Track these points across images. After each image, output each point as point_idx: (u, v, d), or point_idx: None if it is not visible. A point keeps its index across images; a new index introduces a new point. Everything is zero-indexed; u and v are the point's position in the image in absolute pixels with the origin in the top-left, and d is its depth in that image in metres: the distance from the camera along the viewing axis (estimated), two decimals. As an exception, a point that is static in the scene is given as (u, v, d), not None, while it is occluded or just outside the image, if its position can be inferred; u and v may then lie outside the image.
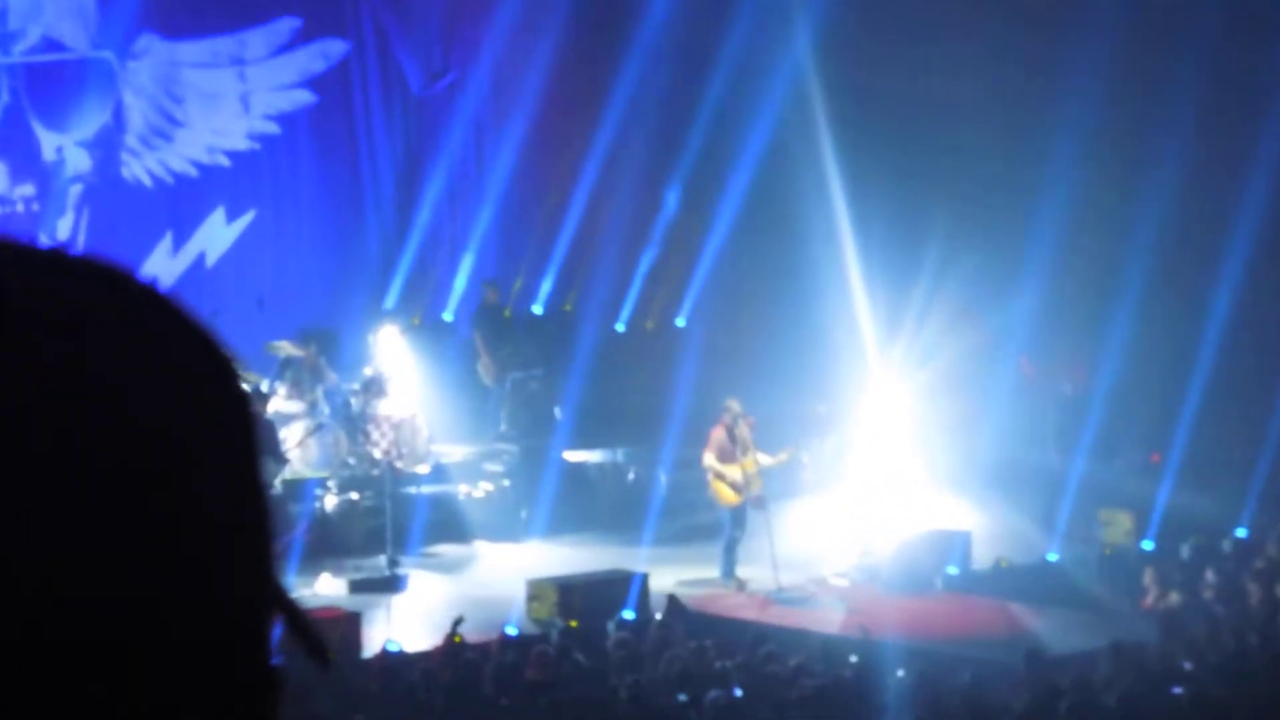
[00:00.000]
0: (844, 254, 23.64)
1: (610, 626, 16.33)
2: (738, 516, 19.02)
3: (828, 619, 17.88)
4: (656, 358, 23.72)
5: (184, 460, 1.22)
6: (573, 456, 22.64)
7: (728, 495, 19.03)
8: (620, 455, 22.97)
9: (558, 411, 23.04)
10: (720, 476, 19.05)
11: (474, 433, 22.63)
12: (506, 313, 23.33)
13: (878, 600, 18.49)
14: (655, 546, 20.03)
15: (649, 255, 24.91)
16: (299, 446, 20.07)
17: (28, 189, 21.53)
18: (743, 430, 18.96)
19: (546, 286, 24.42)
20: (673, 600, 17.03)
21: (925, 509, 21.23)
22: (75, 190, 21.77)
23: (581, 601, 17.08)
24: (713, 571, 19.18)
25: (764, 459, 19.19)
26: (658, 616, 16.58)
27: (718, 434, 19.09)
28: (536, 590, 17.35)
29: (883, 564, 19.37)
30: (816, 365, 23.64)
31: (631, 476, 22.86)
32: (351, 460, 20.56)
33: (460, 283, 24.04)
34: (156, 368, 1.24)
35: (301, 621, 1.32)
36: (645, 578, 17.57)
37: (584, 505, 21.99)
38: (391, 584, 18.47)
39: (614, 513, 21.91)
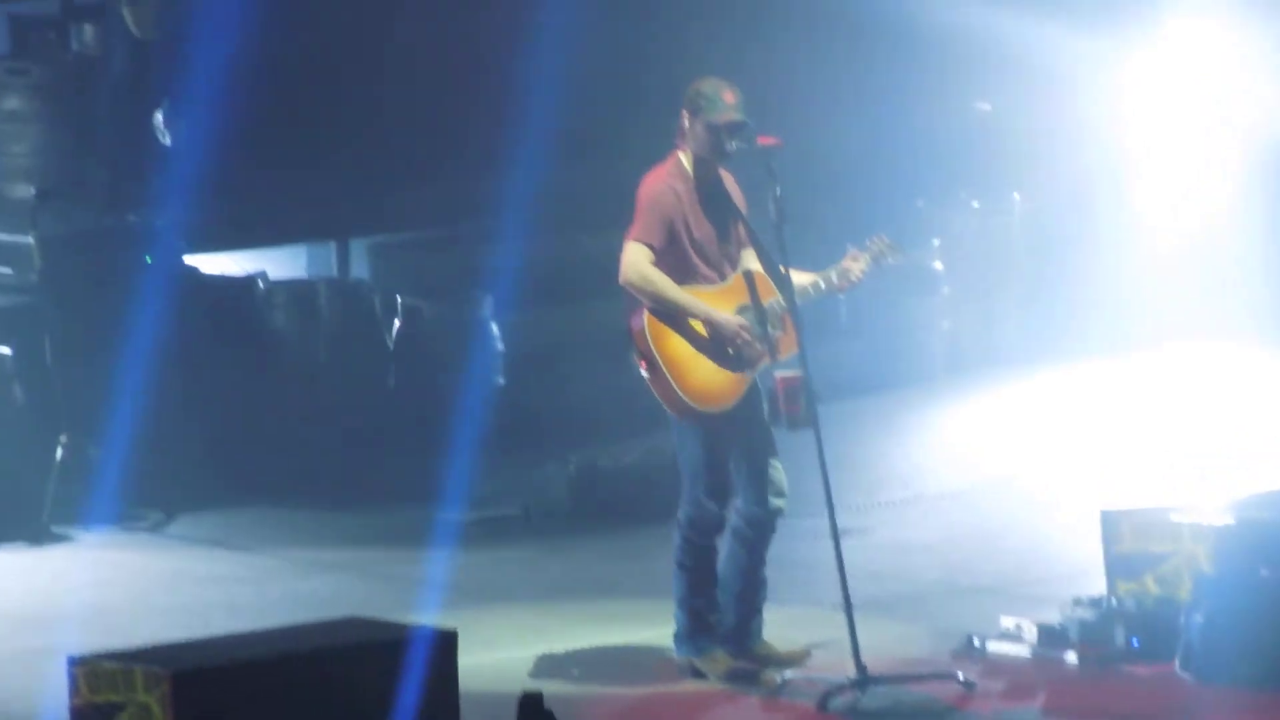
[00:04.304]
0: None
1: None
2: (721, 448, 9.02)
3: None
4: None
5: None
6: (208, 265, 13.38)
7: (695, 383, 8.93)
8: (361, 265, 14.08)
9: (159, 122, 12.45)
10: (671, 323, 8.94)
11: None
12: None
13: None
14: (477, 548, 11.54)
15: None
16: None
17: None
18: (731, 183, 8.98)
19: None
20: (531, 708, 8.00)
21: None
22: None
23: (249, 711, 7.54)
24: (656, 627, 9.65)
25: (803, 277, 9.04)
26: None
27: (662, 189, 8.89)
28: (96, 670, 7.60)
29: (1179, 593, 9.30)
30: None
31: (398, 329, 13.11)
32: None
33: None
34: None
35: None
36: (448, 641, 8.12)
37: (236, 426, 12.68)
38: None
39: (337, 445, 12.80)
